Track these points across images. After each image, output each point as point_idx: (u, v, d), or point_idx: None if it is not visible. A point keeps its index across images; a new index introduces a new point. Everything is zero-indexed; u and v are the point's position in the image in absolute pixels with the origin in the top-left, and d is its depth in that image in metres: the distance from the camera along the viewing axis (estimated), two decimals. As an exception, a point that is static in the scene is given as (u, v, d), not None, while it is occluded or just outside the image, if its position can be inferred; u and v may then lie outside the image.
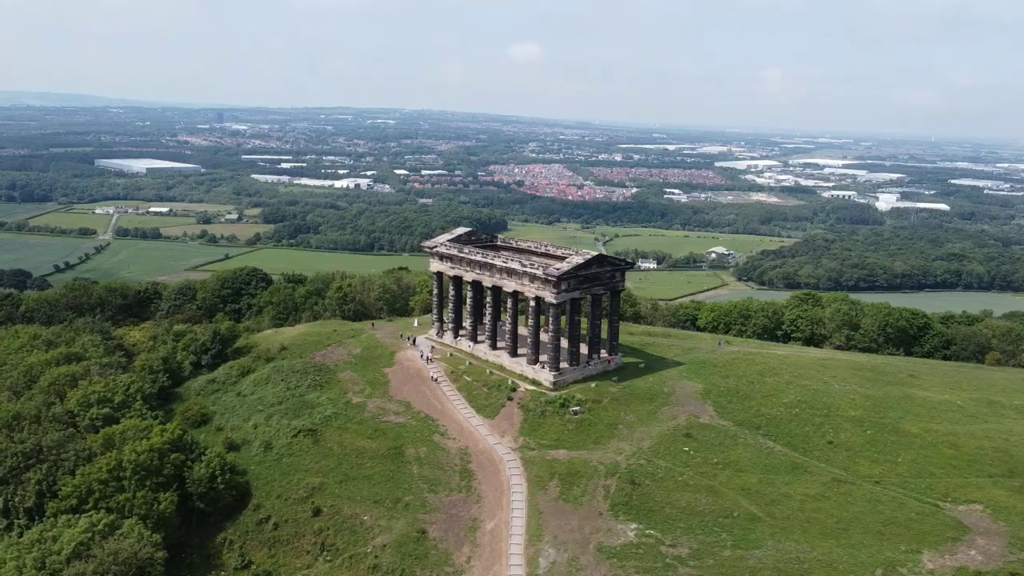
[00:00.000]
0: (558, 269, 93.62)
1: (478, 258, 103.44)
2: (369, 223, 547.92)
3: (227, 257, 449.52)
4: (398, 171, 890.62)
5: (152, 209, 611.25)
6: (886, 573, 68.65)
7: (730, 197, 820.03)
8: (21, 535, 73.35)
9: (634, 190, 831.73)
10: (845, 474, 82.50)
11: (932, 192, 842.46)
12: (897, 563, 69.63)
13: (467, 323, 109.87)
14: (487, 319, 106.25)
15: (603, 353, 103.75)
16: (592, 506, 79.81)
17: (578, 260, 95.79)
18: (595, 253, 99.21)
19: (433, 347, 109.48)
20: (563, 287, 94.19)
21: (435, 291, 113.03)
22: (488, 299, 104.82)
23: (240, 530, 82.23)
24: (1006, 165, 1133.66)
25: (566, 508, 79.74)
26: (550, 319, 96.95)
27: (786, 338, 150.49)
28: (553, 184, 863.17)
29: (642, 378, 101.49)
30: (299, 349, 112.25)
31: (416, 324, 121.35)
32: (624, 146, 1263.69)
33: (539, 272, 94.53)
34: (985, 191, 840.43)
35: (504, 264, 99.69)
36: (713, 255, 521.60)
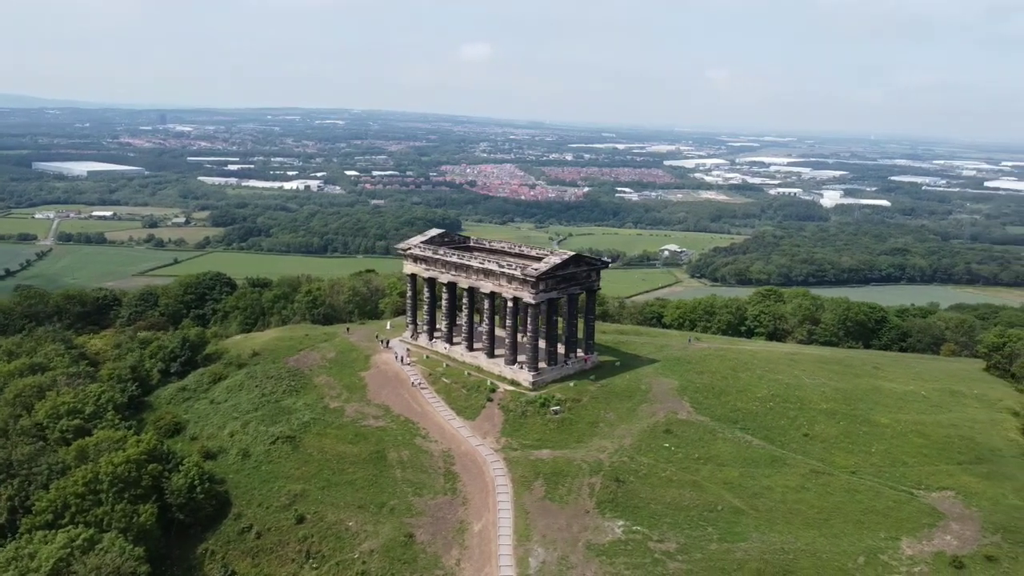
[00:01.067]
0: (536, 269, 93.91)
1: (454, 259, 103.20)
2: (322, 225, 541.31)
3: (176, 262, 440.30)
4: (349, 172, 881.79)
5: (95, 213, 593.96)
6: (868, 560, 70.61)
7: (680, 195, 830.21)
8: (-6, 553, 70.88)
9: (586, 189, 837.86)
10: (822, 465, 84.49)
11: (874, 189, 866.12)
12: (878, 550, 71.66)
13: (442, 325, 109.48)
14: (463, 321, 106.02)
15: (580, 352, 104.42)
16: (578, 504, 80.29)
17: (555, 260, 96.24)
18: (571, 253, 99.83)
19: (408, 349, 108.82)
20: (541, 287, 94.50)
21: (409, 293, 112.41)
22: (464, 300, 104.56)
23: (221, 540, 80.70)
24: (942, 162, 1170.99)
25: (552, 507, 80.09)
26: (528, 319, 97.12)
27: (749, 333, 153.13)
28: (505, 184, 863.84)
29: (619, 376, 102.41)
30: (271, 354, 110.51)
31: (389, 327, 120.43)
32: (575, 145, 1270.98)
33: (517, 273, 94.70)
34: (923, 187, 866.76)
35: (481, 265, 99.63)
36: (666, 253, 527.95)
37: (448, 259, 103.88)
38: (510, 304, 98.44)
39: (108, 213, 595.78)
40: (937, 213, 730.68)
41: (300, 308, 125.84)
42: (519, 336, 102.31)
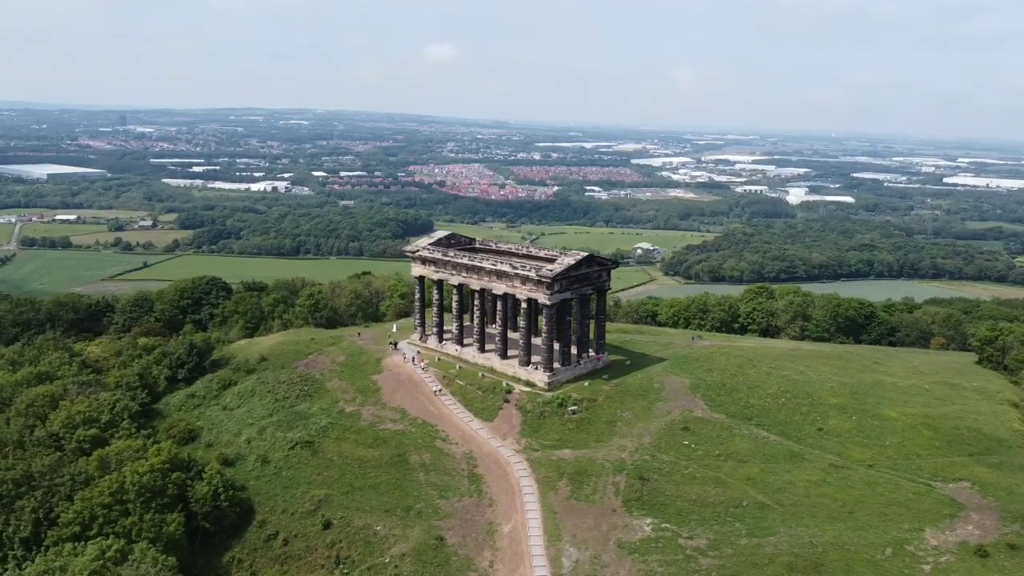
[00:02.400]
0: (551, 270, 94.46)
1: (465, 261, 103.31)
2: (293, 227, 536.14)
3: (145, 265, 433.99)
4: (316, 173, 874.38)
5: (58, 217, 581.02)
6: (895, 551, 72.31)
7: (648, 194, 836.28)
8: (20, 567, 69.60)
9: (555, 188, 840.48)
10: (839, 459, 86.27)
11: (837, 186, 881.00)
12: (903, 541, 73.41)
13: (453, 327, 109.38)
14: (473, 322, 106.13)
15: (591, 352, 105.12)
16: (605, 503, 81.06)
17: (570, 261, 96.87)
18: (584, 254, 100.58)
19: (419, 352, 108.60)
20: (556, 288, 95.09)
21: (417, 296, 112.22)
22: (476, 302, 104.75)
23: (247, 548, 79.93)
24: (901, 159, 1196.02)
25: (579, 507, 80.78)
26: (543, 320, 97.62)
27: (743, 330, 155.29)
28: (475, 184, 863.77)
29: (631, 375, 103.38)
30: (279, 359, 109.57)
31: (395, 329, 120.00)
32: (542, 144, 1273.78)
33: (532, 274, 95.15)
34: (885, 184, 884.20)
35: (493, 267, 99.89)
36: (639, 251, 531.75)
37: (459, 261, 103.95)
38: (524, 305, 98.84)
39: (72, 216, 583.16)
40: (899, 209, 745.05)
41: (302, 312, 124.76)
42: (532, 338, 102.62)
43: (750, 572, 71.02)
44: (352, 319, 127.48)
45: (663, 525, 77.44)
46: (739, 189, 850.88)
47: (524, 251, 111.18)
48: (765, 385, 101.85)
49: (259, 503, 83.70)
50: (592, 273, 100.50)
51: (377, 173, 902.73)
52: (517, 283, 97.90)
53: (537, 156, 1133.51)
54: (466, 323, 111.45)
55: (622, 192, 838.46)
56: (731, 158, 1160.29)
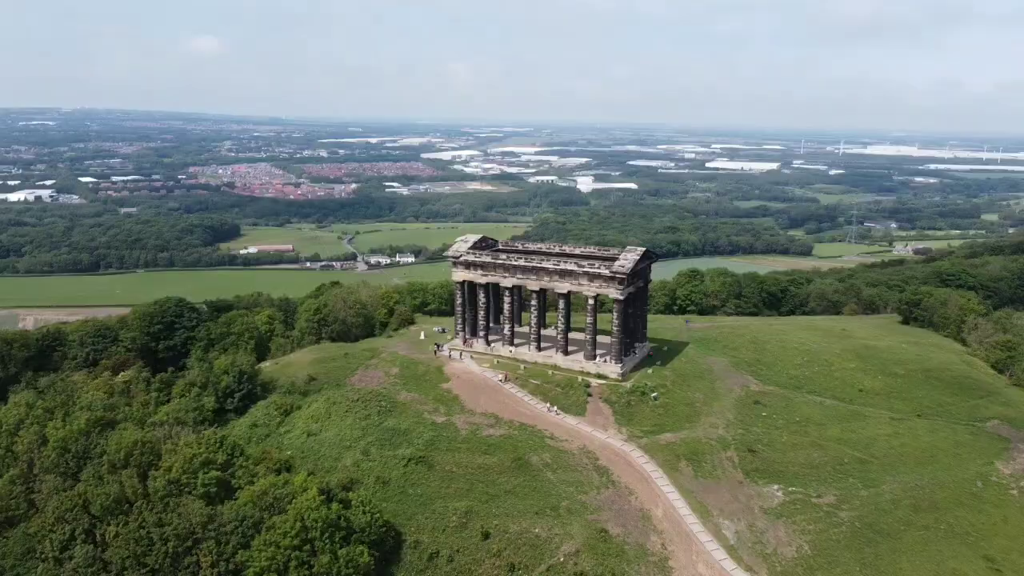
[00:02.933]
0: (622, 267, 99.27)
1: (522, 263, 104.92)
2: (88, 239, 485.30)
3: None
4: (84, 179, 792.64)
5: None
6: (984, 483, 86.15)
7: (448, 187, 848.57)
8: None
9: (354, 185, 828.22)
10: (892, 413, 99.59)
11: (618, 173, 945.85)
12: (986, 474, 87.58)
13: (506, 328, 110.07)
14: (503, 323, 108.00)
15: (640, 342, 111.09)
16: (730, 477, 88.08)
17: (635, 257, 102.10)
18: (643, 249, 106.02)
19: (472, 356, 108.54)
20: (627, 283, 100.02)
21: (459, 301, 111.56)
22: (534, 302, 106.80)
23: (412, 570, 77.59)
24: (664, 146, 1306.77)
25: (709, 484, 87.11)
26: (615, 314, 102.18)
27: (681, 311, 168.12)
28: (268, 184, 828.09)
29: (676, 360, 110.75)
30: (328, 378, 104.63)
31: (423, 336, 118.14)
32: (326, 141, 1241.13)
33: (604, 271, 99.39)
34: (659, 170, 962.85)
35: (557, 267, 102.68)
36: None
37: (515, 263, 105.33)
38: (591, 301, 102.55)
39: None
40: (677, 193, 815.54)
41: (309, 328, 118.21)
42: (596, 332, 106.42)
43: (884, 518, 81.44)
44: (358, 330, 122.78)
45: (790, 489, 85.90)
46: (532, 180, 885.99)
47: (556, 250, 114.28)
48: (790, 357, 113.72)
49: (401, 524, 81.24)
50: (647, 268, 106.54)
51: (155, 176, 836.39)
52: (584, 281, 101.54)
53: (324, 153, 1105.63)
54: (492, 323, 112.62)
55: (421, 187, 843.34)
56: (515, 149, 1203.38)
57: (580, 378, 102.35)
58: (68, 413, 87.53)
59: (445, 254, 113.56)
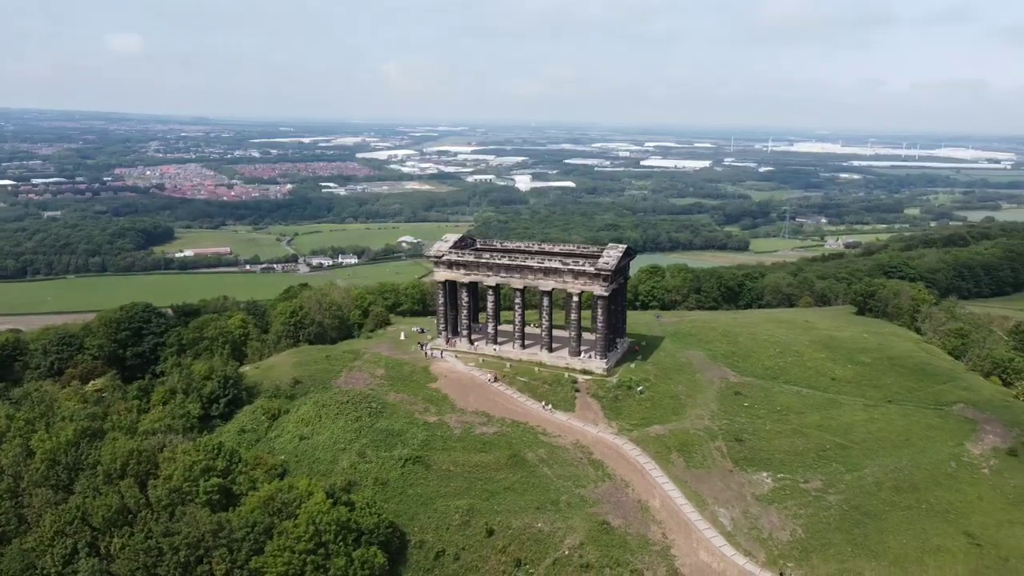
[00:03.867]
0: (607, 264, 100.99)
1: (506, 261, 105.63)
2: (12, 244, 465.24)
3: None
4: (2, 181, 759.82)
5: None
6: (958, 464, 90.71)
7: (385, 187, 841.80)
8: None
9: (289, 186, 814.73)
10: (866, 400, 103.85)
11: (555, 172, 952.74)
12: (956, 455, 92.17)
13: (490, 326, 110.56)
14: (516, 320, 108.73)
15: (619, 338, 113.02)
16: (720, 466, 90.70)
17: (617, 254, 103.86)
18: (625, 246, 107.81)
19: (456, 356, 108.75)
20: (611, 280, 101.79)
21: (441, 301, 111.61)
22: (518, 300, 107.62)
23: (420, 569, 77.69)
24: (599, 145, 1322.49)
25: (701, 473, 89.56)
26: (599, 310, 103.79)
27: (644, 307, 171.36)
28: (199, 185, 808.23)
29: (655, 354, 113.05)
30: (312, 381, 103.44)
31: (403, 337, 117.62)
32: (257, 141, 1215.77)
33: (589, 268, 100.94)
34: (595, 169, 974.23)
35: (541, 264, 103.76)
36: (405, 244, 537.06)
37: (498, 261, 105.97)
38: (575, 298, 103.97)
39: None
40: (615, 191, 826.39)
41: (285, 330, 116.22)
42: (580, 328, 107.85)
43: (869, 500, 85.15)
44: (337, 333, 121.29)
45: (778, 475, 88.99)
46: (470, 179, 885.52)
47: (536, 248, 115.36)
48: (762, 349, 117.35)
49: (404, 524, 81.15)
50: (627, 264, 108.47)
51: (79, 179, 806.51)
52: (569, 278, 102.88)
53: (256, 153, 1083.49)
54: (467, 322, 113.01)
55: (359, 187, 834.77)
56: (451, 149, 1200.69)
57: (566, 374, 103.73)
58: (49, 424, 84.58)
59: (427, 254, 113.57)
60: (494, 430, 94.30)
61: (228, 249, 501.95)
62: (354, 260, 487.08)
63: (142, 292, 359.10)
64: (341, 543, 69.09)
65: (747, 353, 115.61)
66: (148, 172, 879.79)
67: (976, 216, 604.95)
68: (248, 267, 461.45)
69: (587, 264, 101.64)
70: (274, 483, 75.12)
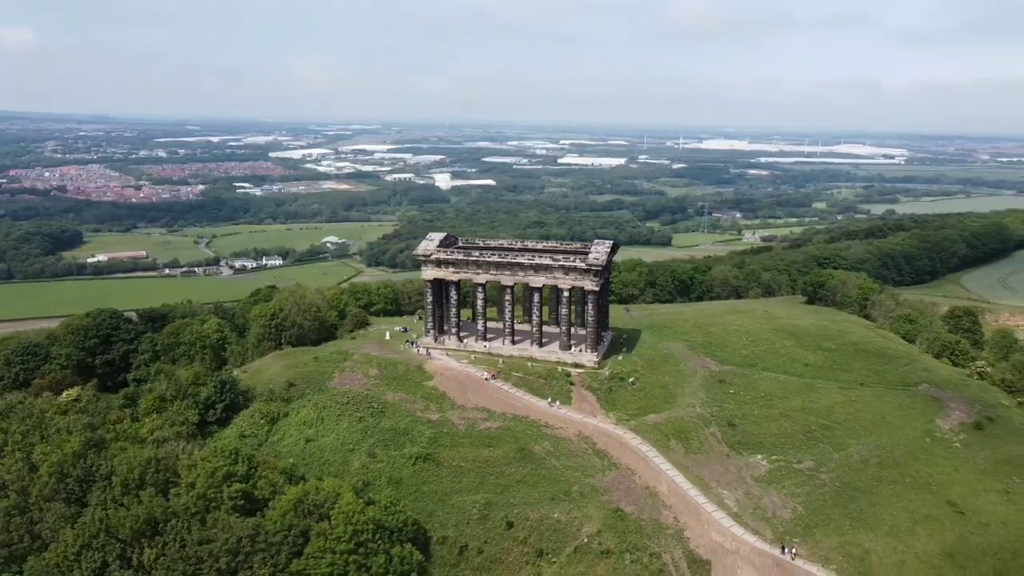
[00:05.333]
0: (597, 259, 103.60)
1: (495, 259, 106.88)
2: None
3: None
4: None
5: None
6: (932, 440, 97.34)
7: (302, 187, 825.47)
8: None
9: (201, 187, 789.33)
10: (841, 383, 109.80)
11: (474, 170, 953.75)
12: (929, 431, 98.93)
13: (479, 324, 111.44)
14: (506, 316, 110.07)
15: (604, 331, 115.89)
16: (717, 451, 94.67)
17: (606, 249, 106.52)
18: (611, 242, 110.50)
19: (447, 353, 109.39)
20: (601, 275, 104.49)
21: (429, 299, 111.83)
22: (508, 297, 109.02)
23: (445, 565, 78.51)
24: (515, 143, 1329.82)
25: (700, 459, 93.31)
26: (589, 305, 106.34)
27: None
28: (105, 187, 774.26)
29: (638, 346, 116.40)
30: (307, 383, 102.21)
31: (388, 337, 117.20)
32: (163, 140, 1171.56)
33: (579, 264, 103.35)
34: (514, 166, 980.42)
35: (532, 261, 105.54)
36: (330, 245, 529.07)
37: (488, 259, 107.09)
38: (566, 294, 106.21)
39: None
40: (535, 189, 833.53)
41: (265, 334, 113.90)
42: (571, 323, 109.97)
43: (858, 476, 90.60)
44: (317, 335, 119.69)
45: (772, 457, 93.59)
46: (388, 178, 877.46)
47: (519, 245, 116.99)
48: (734, 339, 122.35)
49: (423, 520, 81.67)
50: (613, 260, 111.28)
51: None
52: (559, 274, 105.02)
53: (163, 153, 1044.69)
54: (456, 320, 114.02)
55: (274, 187, 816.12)
56: (367, 147, 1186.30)
57: (559, 368, 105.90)
58: (44, 437, 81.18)
59: (414, 253, 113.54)
60: (498, 425, 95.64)
61: (144, 253, 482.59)
62: (279, 261, 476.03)
63: (58, 299, 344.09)
64: (379, 542, 69.30)
65: (722, 343, 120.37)
66: (47, 173, 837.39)
67: (877, 209, 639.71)
68: (168, 271, 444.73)
69: (578, 260, 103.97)
70: (300, 485, 74.46)
